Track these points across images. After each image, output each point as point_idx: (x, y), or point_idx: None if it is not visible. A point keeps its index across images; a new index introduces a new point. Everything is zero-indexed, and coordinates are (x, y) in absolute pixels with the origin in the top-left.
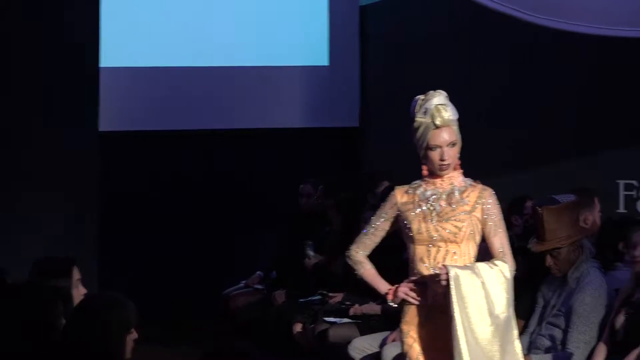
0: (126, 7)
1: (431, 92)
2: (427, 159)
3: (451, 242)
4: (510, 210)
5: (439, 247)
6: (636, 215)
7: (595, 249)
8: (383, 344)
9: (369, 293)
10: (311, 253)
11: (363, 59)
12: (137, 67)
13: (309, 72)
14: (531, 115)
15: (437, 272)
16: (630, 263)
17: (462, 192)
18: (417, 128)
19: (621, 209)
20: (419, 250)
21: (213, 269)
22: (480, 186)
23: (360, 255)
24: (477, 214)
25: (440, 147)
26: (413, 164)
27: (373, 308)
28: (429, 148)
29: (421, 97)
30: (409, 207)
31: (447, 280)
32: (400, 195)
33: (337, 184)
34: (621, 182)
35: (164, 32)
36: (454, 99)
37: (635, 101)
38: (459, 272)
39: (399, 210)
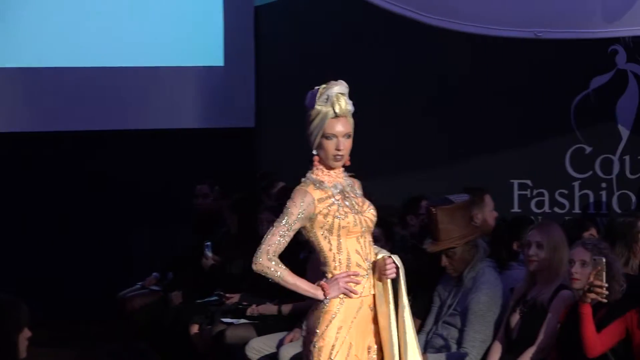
0: (17, 7)
1: (332, 81)
2: (321, 149)
3: (370, 232)
4: (406, 210)
5: (365, 237)
6: (530, 215)
7: (490, 248)
8: (280, 344)
9: (266, 293)
10: (209, 254)
11: (258, 59)
12: (28, 68)
13: (204, 72)
14: (425, 115)
15: (371, 262)
16: (525, 262)
17: (352, 184)
18: (315, 116)
19: (515, 209)
20: (350, 242)
21: (109, 270)
22: (353, 178)
23: (274, 258)
24: None
25: (337, 137)
26: (307, 164)
27: (270, 308)
28: (325, 137)
29: (322, 86)
30: (329, 202)
31: (397, 269)
32: (313, 192)
33: (232, 184)
34: (515, 182)
35: (58, 32)
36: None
37: (528, 101)
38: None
39: (317, 208)
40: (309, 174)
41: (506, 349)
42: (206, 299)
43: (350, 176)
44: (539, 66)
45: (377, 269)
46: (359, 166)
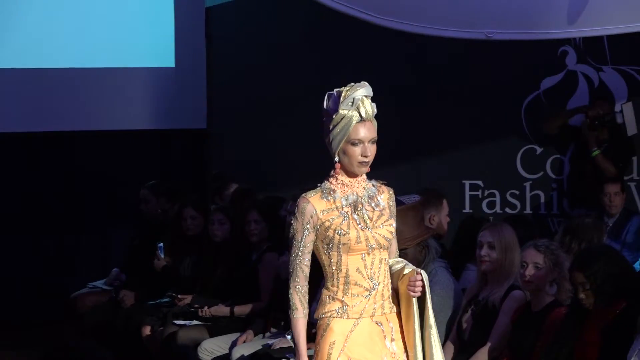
0: None
1: (355, 83)
2: (344, 155)
3: (384, 249)
4: None
5: (374, 255)
6: (482, 215)
7: (443, 249)
8: (233, 345)
9: (218, 295)
10: (161, 255)
11: (209, 60)
12: None
13: (155, 73)
14: (378, 116)
15: (379, 281)
16: (477, 262)
17: (376, 194)
18: (338, 121)
19: (467, 209)
20: (353, 260)
21: (59, 271)
22: (383, 186)
23: (298, 297)
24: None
25: (363, 142)
26: (260, 165)
27: (222, 310)
28: (350, 142)
29: (344, 88)
30: (334, 215)
31: (423, 286)
32: (316, 202)
33: (181, 187)
34: (467, 183)
35: (7, 32)
36: (300, 99)
37: (478, 102)
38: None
39: (320, 220)
40: (324, 181)
41: (458, 350)
42: (158, 301)
43: (382, 184)
44: (490, 67)
45: (405, 283)
46: (315, 168)
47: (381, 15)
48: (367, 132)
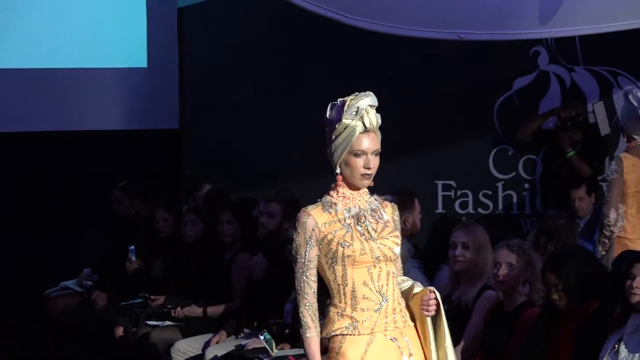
0: None
1: (360, 93)
2: (346, 166)
3: (390, 261)
4: None
5: (381, 267)
6: (454, 216)
7: (416, 249)
8: (206, 346)
9: (191, 296)
10: (133, 257)
11: (182, 61)
12: None
13: (128, 74)
14: None
15: (388, 295)
16: (450, 262)
17: (379, 207)
18: (341, 131)
19: (440, 210)
20: (359, 273)
21: (32, 272)
22: (386, 201)
23: (309, 315)
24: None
25: (366, 153)
26: (232, 165)
27: (195, 310)
28: (353, 153)
29: (349, 97)
30: (336, 227)
31: (437, 304)
32: (317, 216)
33: (154, 188)
34: (439, 183)
35: None
36: (273, 100)
37: (451, 103)
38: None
39: (322, 233)
40: (325, 195)
41: None
42: (131, 301)
43: (385, 199)
44: (462, 67)
45: (417, 302)
46: (288, 169)
47: (353, 15)
48: (370, 143)
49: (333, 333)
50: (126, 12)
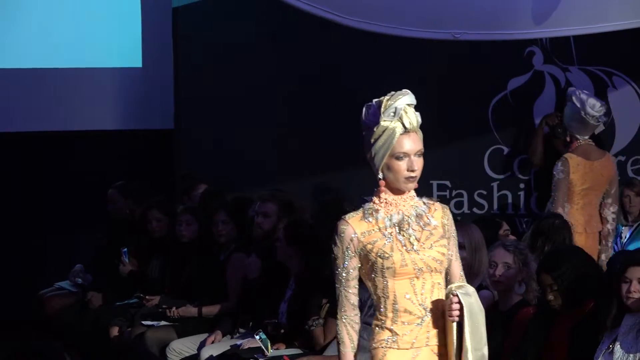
0: None
1: (396, 92)
2: (389, 171)
3: (436, 272)
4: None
5: (425, 279)
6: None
7: None
8: (201, 346)
9: (186, 296)
10: (126, 260)
11: (177, 61)
12: None
13: (122, 73)
14: (345, 117)
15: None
16: None
17: (427, 212)
18: (380, 134)
19: None
20: (401, 285)
21: (25, 272)
22: (437, 203)
23: (346, 330)
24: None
25: (409, 155)
26: (228, 165)
27: (190, 310)
28: (395, 156)
29: (384, 97)
30: (376, 237)
31: (461, 310)
32: (356, 225)
33: (149, 188)
34: (434, 183)
35: None
36: (267, 100)
37: (446, 103)
38: (471, 299)
39: (361, 243)
40: (367, 202)
41: None
42: (126, 302)
43: (436, 202)
44: (457, 67)
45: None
46: (284, 169)
47: (348, 15)
48: (412, 144)
49: (375, 345)
50: (121, 12)
